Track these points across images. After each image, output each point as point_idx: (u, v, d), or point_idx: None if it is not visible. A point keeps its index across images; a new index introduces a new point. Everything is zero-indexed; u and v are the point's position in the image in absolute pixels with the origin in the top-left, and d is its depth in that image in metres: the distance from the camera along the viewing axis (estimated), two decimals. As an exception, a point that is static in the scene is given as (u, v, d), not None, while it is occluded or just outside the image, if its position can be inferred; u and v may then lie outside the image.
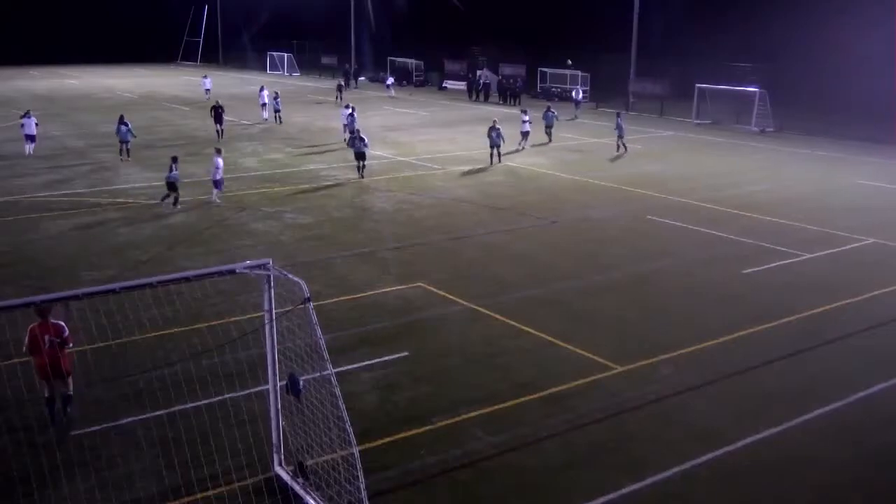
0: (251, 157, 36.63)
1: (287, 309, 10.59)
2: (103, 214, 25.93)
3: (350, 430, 9.41)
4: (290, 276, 10.12)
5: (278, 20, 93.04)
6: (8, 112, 50.29)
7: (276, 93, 49.95)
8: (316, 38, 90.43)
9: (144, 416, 12.56)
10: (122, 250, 21.99)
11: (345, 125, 39.31)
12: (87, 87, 73.40)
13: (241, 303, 17.33)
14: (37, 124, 36.52)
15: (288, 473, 10.99)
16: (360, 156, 31.40)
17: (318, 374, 10.02)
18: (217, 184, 27.36)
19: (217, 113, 41.46)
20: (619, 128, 38.24)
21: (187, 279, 10.88)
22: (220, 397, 12.92)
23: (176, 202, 26.39)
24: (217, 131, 41.28)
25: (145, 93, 67.79)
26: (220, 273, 11.62)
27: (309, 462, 10.80)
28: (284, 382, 10.74)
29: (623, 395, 13.72)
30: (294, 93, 65.43)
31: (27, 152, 35.49)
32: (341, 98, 58.19)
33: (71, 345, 12.59)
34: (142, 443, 11.89)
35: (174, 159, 26.68)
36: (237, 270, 10.39)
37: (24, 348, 12.30)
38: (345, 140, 36.96)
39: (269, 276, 10.47)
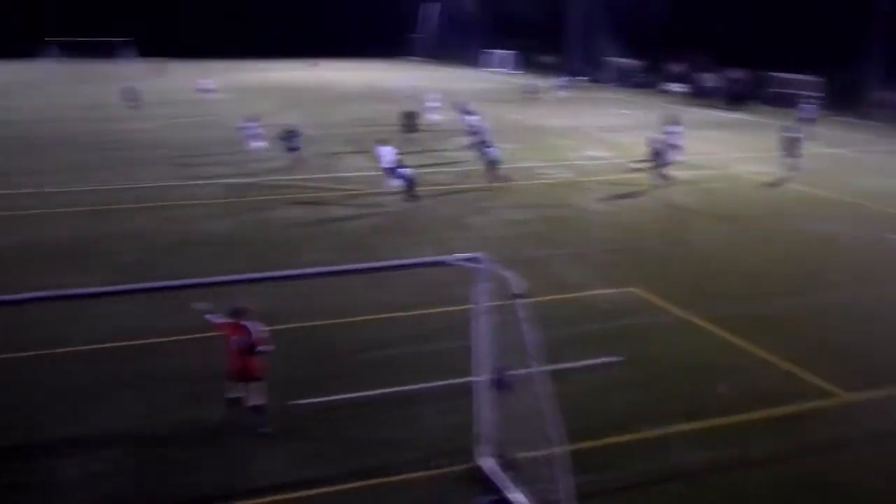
0: (467, 151, 37.21)
1: (498, 303, 10.61)
2: (327, 199, 27.25)
3: (558, 428, 9.29)
4: (503, 270, 10.12)
5: (499, 18, 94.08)
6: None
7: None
8: (533, 36, 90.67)
9: (355, 395, 13.03)
10: (341, 234, 23.01)
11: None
12: (318, 79, 77.55)
13: (453, 294, 17.57)
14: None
15: (491, 465, 11.02)
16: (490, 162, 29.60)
17: (528, 370, 9.96)
18: (390, 172, 27.51)
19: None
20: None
21: (400, 267, 11.23)
22: (427, 384, 13.18)
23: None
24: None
25: (371, 85, 70.71)
26: (432, 263, 11.88)
27: (514, 456, 10.77)
28: (493, 376, 10.78)
29: (846, 426, 12.70)
30: (510, 91, 65.89)
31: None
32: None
33: (261, 348, 11.82)
34: (351, 420, 12.35)
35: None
36: (448, 262, 10.53)
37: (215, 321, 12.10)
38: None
39: (480, 270, 10.51)
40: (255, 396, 11.89)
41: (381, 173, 28.26)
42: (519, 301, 9.76)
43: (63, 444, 11.61)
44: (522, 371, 10.36)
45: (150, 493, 10.59)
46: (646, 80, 73.75)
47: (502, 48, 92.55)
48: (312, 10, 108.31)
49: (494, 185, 29.15)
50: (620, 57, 75.52)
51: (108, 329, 15.25)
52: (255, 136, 36.10)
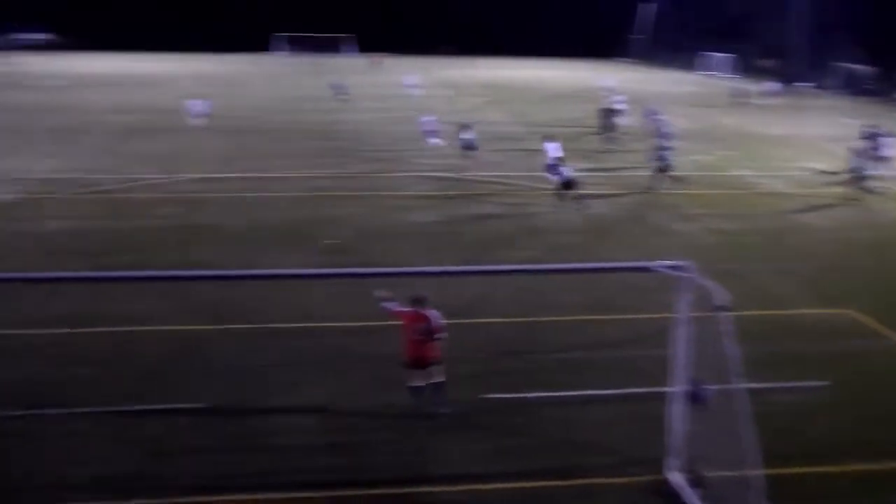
0: (677, 156, 36.29)
1: (701, 314, 10.38)
2: (532, 198, 27.50)
3: (756, 450, 9.00)
4: (708, 281, 9.89)
5: (718, 20, 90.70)
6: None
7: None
8: (755, 39, 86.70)
9: (548, 394, 13.15)
10: (543, 233, 23.16)
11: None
12: (527, 77, 78.03)
13: (654, 301, 17.31)
14: None
15: (681, 480, 10.82)
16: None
17: (727, 386, 9.69)
18: (551, 169, 27.47)
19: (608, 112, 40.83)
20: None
21: (603, 270, 11.22)
22: (621, 390, 13.10)
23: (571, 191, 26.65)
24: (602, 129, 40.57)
25: (580, 86, 70.35)
26: (636, 268, 11.76)
27: (705, 474, 10.53)
28: (689, 388, 10.58)
29: None
30: (718, 95, 63.47)
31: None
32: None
33: (440, 335, 12.24)
34: (540, 419, 12.49)
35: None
36: (653, 268, 10.40)
37: (392, 309, 12.40)
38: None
39: (685, 279, 10.32)
40: (437, 374, 12.23)
41: (595, 173, 28.16)
42: (722, 314, 9.52)
43: (272, 412, 12.51)
44: (720, 386, 10.10)
45: (340, 471, 11.17)
46: (877, 87, 68.68)
47: (721, 51, 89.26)
48: (529, 8, 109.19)
49: (663, 190, 28.24)
50: (851, 62, 70.76)
51: (306, 309, 16.13)
52: (433, 133, 36.91)
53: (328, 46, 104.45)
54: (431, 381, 12.28)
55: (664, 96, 60.80)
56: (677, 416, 10.83)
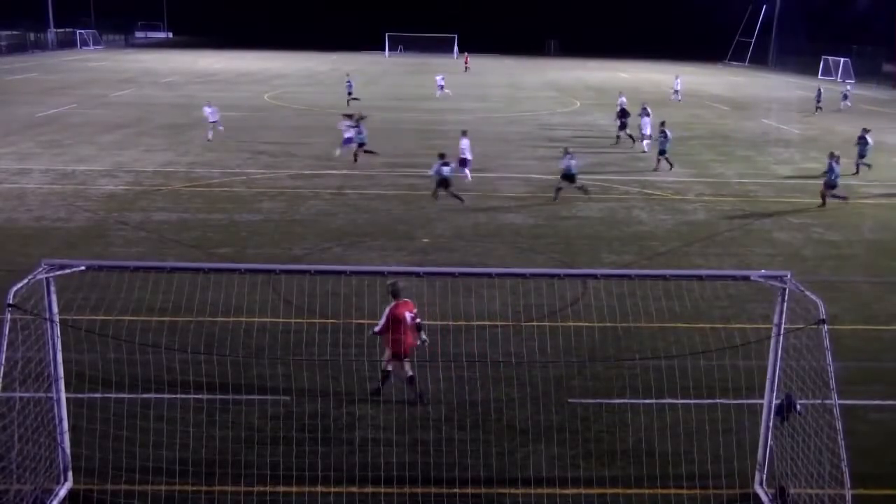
0: (785, 164, 35.23)
1: (798, 327, 10.04)
2: (630, 203, 27.09)
3: (846, 469, 8.64)
4: (808, 292, 9.55)
5: (837, 23, 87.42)
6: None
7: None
8: (877, 43, 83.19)
9: (635, 401, 12.93)
10: (641, 239, 22.77)
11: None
12: (636, 81, 76.88)
13: (749, 311, 16.87)
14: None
15: (767, 495, 10.49)
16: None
17: (821, 401, 9.34)
18: (461, 163, 28.50)
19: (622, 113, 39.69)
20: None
21: (700, 277, 10.93)
22: (710, 400, 12.75)
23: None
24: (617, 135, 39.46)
25: (688, 90, 68.92)
26: (734, 277, 11.47)
27: (792, 490, 10.17)
28: (780, 401, 10.24)
29: None
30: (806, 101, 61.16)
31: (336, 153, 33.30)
32: None
33: (419, 321, 12.67)
34: (628, 424, 12.30)
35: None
36: (752, 277, 10.12)
37: (379, 328, 12.53)
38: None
39: (784, 290, 9.99)
40: (410, 369, 12.63)
41: (697, 179, 27.56)
42: (823, 326, 9.18)
43: (355, 406, 12.69)
44: (814, 401, 9.75)
45: (420, 468, 11.24)
46: None
47: (844, 54, 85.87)
48: (641, 11, 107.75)
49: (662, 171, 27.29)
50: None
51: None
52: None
53: (435, 47, 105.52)
54: (408, 375, 12.60)
55: (774, 102, 58.97)
56: (769, 430, 10.49)
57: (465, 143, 28.98)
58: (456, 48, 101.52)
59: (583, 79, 78.35)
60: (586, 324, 15.83)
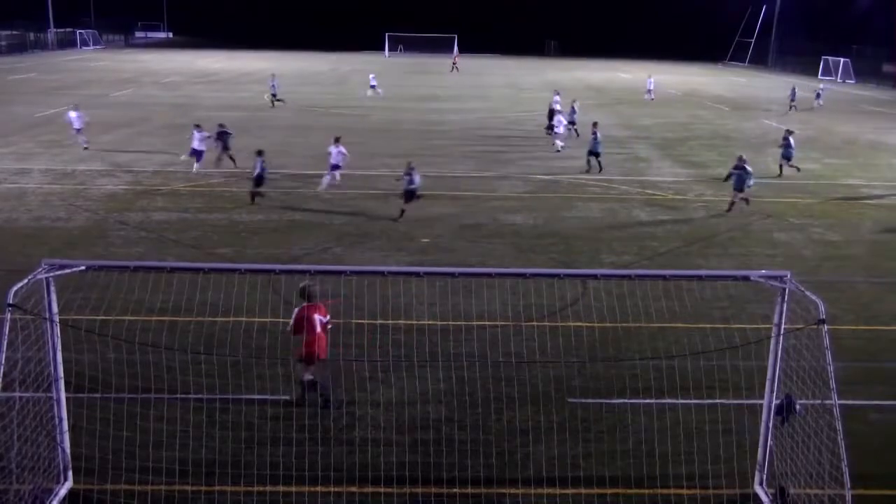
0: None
1: (798, 327, 10.04)
2: (630, 203, 27.09)
3: (846, 469, 8.64)
4: (808, 293, 9.55)
5: (837, 23, 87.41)
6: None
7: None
8: (878, 43, 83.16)
9: (635, 401, 12.93)
10: (641, 239, 22.78)
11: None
12: (637, 81, 76.87)
13: (749, 311, 16.87)
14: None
15: (767, 495, 10.49)
16: (410, 194, 24.08)
17: (820, 401, 9.34)
18: (331, 167, 27.69)
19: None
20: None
21: (700, 277, 10.94)
22: (710, 400, 12.75)
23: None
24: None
25: (688, 90, 68.95)
26: (734, 277, 11.44)
27: (792, 491, 10.17)
28: (780, 401, 10.24)
29: None
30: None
31: (193, 169, 29.86)
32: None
33: (330, 327, 12.71)
34: (628, 425, 12.30)
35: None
36: (752, 278, 10.12)
37: (289, 328, 12.46)
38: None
39: (784, 290, 9.99)
40: (314, 374, 12.36)
41: (697, 179, 27.56)
42: (822, 327, 9.19)
43: (354, 406, 12.69)
44: (813, 401, 9.75)
45: (419, 468, 11.24)
46: None
47: (844, 55, 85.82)
48: (637, 10, 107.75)
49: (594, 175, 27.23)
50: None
51: (394, 306, 16.30)
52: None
53: (434, 47, 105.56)
54: (318, 380, 12.40)
55: (773, 102, 59.02)
56: (768, 430, 10.50)
57: (335, 150, 27.48)
58: (456, 48, 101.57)
59: (583, 79, 78.35)
60: (586, 324, 15.83)
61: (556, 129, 36.59)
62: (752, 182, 25.68)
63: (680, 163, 33.66)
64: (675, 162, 34.26)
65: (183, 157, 30.58)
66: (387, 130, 41.98)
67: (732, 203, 25.77)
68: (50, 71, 75.09)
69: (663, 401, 12.87)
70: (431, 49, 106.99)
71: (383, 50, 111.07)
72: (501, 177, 30.64)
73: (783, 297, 10.04)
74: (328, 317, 12.65)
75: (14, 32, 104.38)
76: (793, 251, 21.95)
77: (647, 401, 12.91)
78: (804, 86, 63.75)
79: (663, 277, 10.78)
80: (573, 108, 41.03)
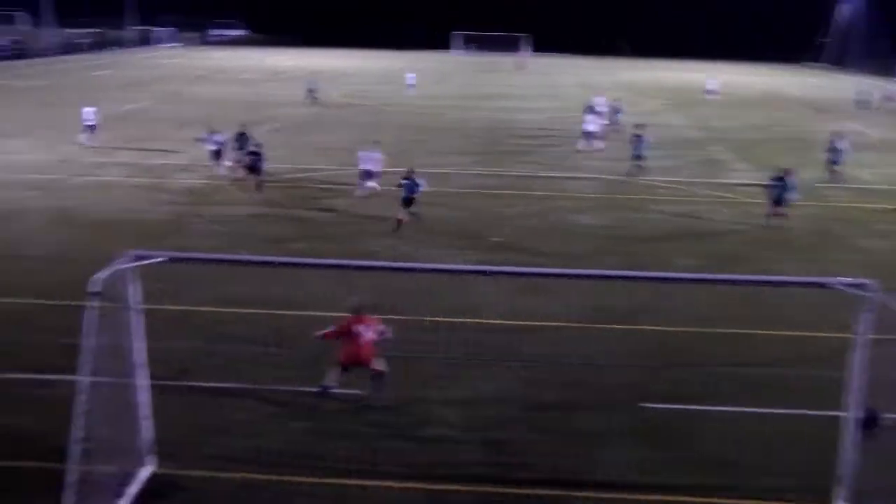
0: (866, 168, 34.20)
1: (882, 337, 9.74)
2: (704, 205, 26.63)
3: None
4: (893, 302, 9.25)
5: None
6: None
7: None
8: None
9: (709, 408, 12.70)
10: (717, 242, 22.38)
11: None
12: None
13: (830, 319, 16.37)
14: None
15: (848, 512, 10.19)
16: (408, 201, 22.52)
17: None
18: (364, 175, 25.50)
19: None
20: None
21: (778, 283, 10.74)
22: (788, 410, 12.48)
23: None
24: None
25: (766, 91, 67.51)
26: (814, 284, 11.19)
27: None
28: (863, 415, 9.94)
29: None
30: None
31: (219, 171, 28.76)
32: None
33: (387, 335, 12.69)
34: (702, 433, 12.08)
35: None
36: (832, 285, 9.85)
37: (320, 333, 12.62)
38: None
39: (866, 298, 9.68)
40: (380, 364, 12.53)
41: (761, 182, 26.95)
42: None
43: (426, 403, 12.74)
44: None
45: (490, 467, 11.23)
46: None
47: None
48: (715, 10, 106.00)
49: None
50: None
51: (465, 304, 16.27)
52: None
53: (507, 45, 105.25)
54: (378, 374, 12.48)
55: (852, 104, 57.33)
56: (849, 444, 10.19)
57: (370, 155, 25.77)
58: (524, 47, 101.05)
59: (658, 80, 77.23)
60: (660, 328, 15.61)
61: (584, 128, 35.75)
62: (794, 196, 23.60)
63: (757, 165, 32.94)
64: (751, 164, 33.54)
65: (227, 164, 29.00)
66: (456, 129, 42.04)
67: (769, 216, 23.73)
68: (128, 67, 77.13)
69: (739, 409, 12.61)
70: (503, 48, 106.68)
71: (454, 49, 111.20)
72: (571, 177, 30.41)
73: (866, 307, 9.73)
74: (381, 327, 12.60)
75: (95, 31, 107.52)
76: (879, 258, 21.25)
77: (722, 408, 12.67)
78: (882, 87, 61.96)
79: (740, 282, 10.62)
80: (618, 107, 40.32)
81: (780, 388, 13.29)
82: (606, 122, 37.76)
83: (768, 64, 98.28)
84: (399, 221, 22.13)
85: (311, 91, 51.21)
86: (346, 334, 12.45)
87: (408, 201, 22.43)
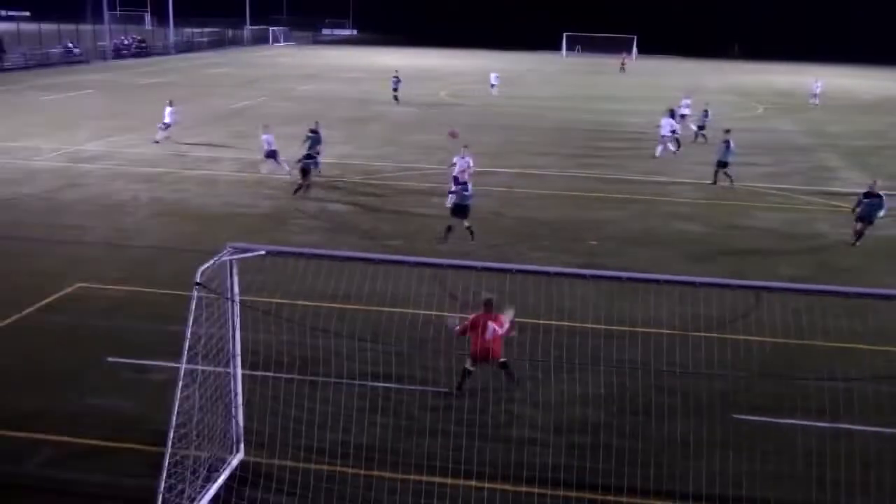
0: None
1: None
2: (812, 213, 25.74)
3: None
4: None
5: None
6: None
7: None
8: None
9: (806, 422, 12.27)
10: (823, 252, 21.61)
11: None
12: (828, 86, 72.86)
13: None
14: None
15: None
16: (460, 209, 21.30)
17: None
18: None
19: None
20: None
21: (885, 296, 10.28)
22: (892, 430, 11.95)
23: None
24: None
25: (884, 96, 64.66)
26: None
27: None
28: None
29: None
30: None
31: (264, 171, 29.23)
32: None
33: (512, 334, 13.18)
34: (797, 447, 11.68)
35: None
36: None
37: (457, 327, 12.94)
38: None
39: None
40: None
41: (889, 192, 25.81)
42: None
43: (514, 404, 12.73)
44: None
45: (574, 471, 11.12)
46: None
47: None
48: (836, 13, 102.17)
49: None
50: None
51: (557, 307, 16.14)
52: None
53: (612, 47, 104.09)
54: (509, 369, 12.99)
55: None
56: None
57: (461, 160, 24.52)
58: (628, 49, 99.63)
59: (769, 83, 74.97)
60: (757, 338, 15.17)
61: (661, 133, 34.44)
62: (882, 213, 21.97)
63: (870, 173, 31.59)
64: (863, 172, 32.18)
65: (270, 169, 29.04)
66: (560, 130, 41.81)
67: (859, 233, 22.12)
68: (243, 65, 79.60)
69: (838, 425, 12.14)
70: (609, 49, 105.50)
71: (561, 50, 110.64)
72: (673, 181, 29.83)
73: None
74: (506, 327, 12.91)
75: (215, 30, 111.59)
76: None
77: (820, 424, 12.22)
78: None
79: (844, 294, 10.21)
80: (705, 112, 39.27)
81: (883, 405, 12.73)
82: (679, 126, 36.22)
83: (882, 67, 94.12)
84: (450, 228, 21.13)
85: (394, 90, 51.32)
86: (476, 329, 12.78)
87: (459, 209, 21.22)
